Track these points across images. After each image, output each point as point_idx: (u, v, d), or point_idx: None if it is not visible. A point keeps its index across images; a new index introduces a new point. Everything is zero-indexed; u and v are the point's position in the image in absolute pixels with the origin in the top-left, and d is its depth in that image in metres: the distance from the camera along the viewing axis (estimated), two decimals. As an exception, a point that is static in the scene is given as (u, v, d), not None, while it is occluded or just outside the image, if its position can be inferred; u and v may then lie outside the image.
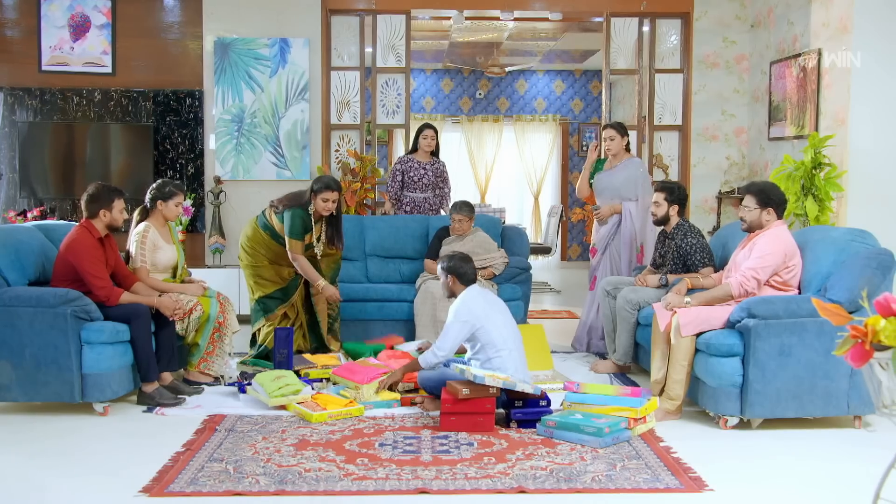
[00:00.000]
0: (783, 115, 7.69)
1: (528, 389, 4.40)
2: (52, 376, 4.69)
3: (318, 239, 5.96)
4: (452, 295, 4.96)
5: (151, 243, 5.34)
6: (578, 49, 12.03)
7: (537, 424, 4.33)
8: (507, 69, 12.60)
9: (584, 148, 13.29)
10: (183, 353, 5.38)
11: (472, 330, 4.70)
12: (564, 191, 13.48)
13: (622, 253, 6.36)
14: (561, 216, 11.10)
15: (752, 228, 4.84)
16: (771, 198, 4.78)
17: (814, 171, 6.45)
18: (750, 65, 8.60)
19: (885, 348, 2.21)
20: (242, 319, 6.42)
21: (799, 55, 7.37)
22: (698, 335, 4.60)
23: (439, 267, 5.01)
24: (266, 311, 5.94)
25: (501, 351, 4.67)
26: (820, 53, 6.99)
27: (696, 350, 4.62)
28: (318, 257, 6.01)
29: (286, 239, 5.83)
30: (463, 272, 4.91)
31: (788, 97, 7.57)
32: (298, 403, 4.70)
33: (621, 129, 6.45)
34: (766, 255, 4.67)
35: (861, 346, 2.18)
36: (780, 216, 4.82)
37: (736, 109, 8.61)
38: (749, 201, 4.81)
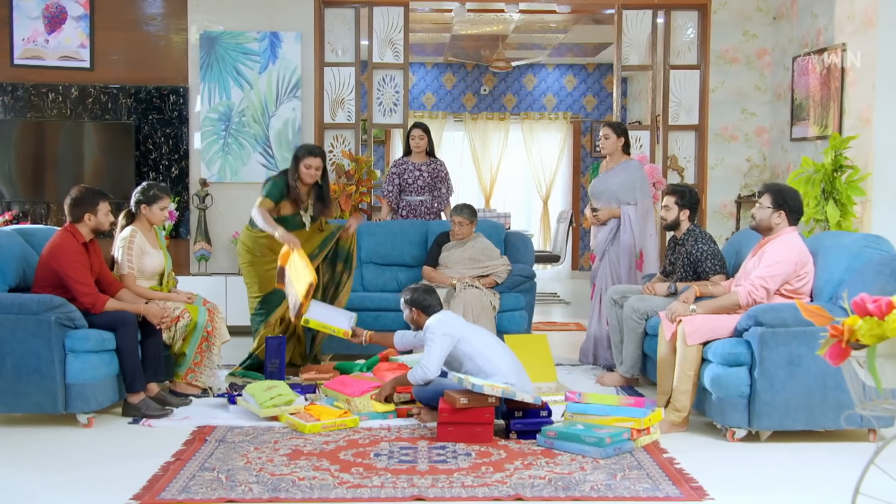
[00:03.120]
0: (806, 114, 8.01)
1: (528, 399, 4.75)
2: (34, 386, 4.99)
3: (305, 209, 6.34)
4: (418, 327, 5.41)
5: (138, 248, 5.68)
6: (591, 42, 12.37)
7: (537, 435, 4.68)
8: (513, 63, 12.95)
9: (598, 148, 13.63)
10: (169, 363, 5.71)
11: (453, 342, 5.08)
12: (576, 195, 13.82)
13: (621, 259, 6.69)
14: (571, 222, 11.42)
15: (760, 227, 5.18)
16: (786, 200, 5.11)
17: (835, 174, 6.77)
18: (772, 60, 8.94)
19: (863, 347, 2.55)
20: (232, 331, 6.74)
21: (822, 50, 7.69)
22: (705, 344, 4.94)
23: (402, 300, 5.44)
24: (269, 311, 6.28)
25: (491, 357, 5.05)
26: (844, 48, 7.32)
27: (703, 359, 4.95)
28: (307, 228, 6.36)
29: (260, 198, 6.19)
30: (427, 304, 5.36)
31: (811, 95, 7.89)
32: (291, 414, 5.05)
33: (617, 129, 6.79)
34: (774, 264, 5.00)
35: (838, 345, 2.52)
36: (792, 222, 5.14)
37: (757, 108, 8.94)
38: (765, 199, 5.16)
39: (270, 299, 6.31)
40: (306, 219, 6.35)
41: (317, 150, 6.32)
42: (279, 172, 6.45)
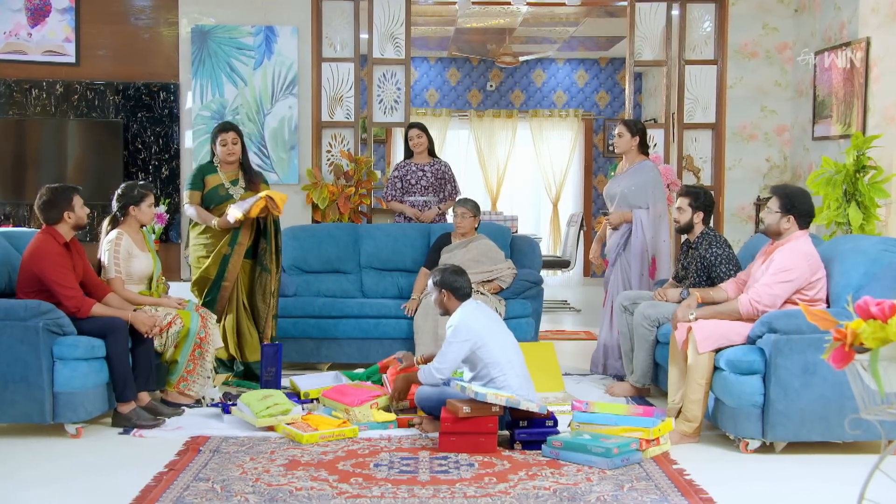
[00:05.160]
0: (829, 112, 8.18)
1: (533, 408, 4.92)
2: (21, 395, 5.15)
3: (235, 182, 6.65)
4: (446, 312, 5.49)
5: (125, 251, 5.85)
6: (603, 35, 12.53)
7: (543, 445, 4.84)
8: (521, 58, 13.10)
9: (611, 147, 13.79)
10: (160, 371, 5.88)
11: (472, 348, 5.21)
12: (587, 197, 13.99)
13: (632, 265, 6.84)
14: (582, 225, 11.56)
15: (769, 232, 5.33)
16: (794, 205, 5.24)
17: (857, 175, 6.92)
18: (793, 54, 9.10)
19: (868, 350, 2.72)
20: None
21: (846, 44, 7.86)
22: (717, 352, 5.10)
23: (430, 282, 5.54)
24: (214, 297, 6.55)
25: (506, 369, 5.19)
26: (868, 42, 7.49)
27: (715, 368, 5.11)
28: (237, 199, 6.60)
29: (186, 193, 6.68)
30: (458, 286, 5.43)
31: (834, 91, 8.06)
32: (288, 424, 5.22)
33: (633, 128, 6.91)
34: (782, 272, 5.12)
35: (841, 349, 2.68)
36: (802, 226, 5.27)
37: (777, 105, 9.10)
38: (773, 203, 5.29)
39: (216, 277, 6.58)
40: (234, 192, 6.63)
41: (227, 125, 6.74)
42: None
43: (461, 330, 5.24)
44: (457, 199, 7.93)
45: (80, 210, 5.56)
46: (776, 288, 5.13)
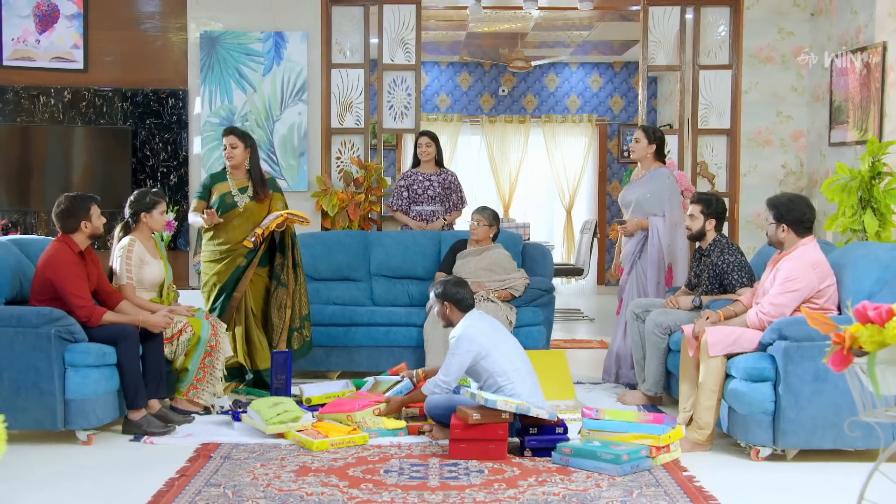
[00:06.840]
0: (846, 117, 8.29)
1: (543, 415, 5.07)
2: (33, 402, 5.32)
3: (243, 191, 6.77)
4: (449, 324, 5.66)
5: (137, 258, 6.03)
6: (617, 39, 12.68)
7: (553, 452, 5.00)
8: (533, 63, 13.24)
9: (625, 153, 13.91)
10: (171, 379, 6.04)
11: (476, 359, 5.37)
12: (601, 203, 14.11)
13: (648, 273, 6.97)
14: (596, 232, 11.69)
15: (773, 244, 5.46)
16: (783, 214, 5.34)
17: (872, 182, 7.04)
18: (809, 59, 9.21)
19: (866, 354, 2.86)
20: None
21: (863, 49, 7.98)
22: (729, 358, 5.24)
23: (432, 294, 5.69)
24: (228, 294, 6.71)
25: (513, 377, 5.35)
26: (885, 47, 7.60)
27: (727, 375, 5.25)
28: (241, 210, 6.75)
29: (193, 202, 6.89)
30: (460, 297, 5.59)
31: (851, 97, 8.18)
32: (298, 431, 5.39)
33: (650, 134, 7.05)
34: (786, 282, 5.24)
35: (840, 352, 2.83)
36: (801, 233, 5.36)
37: (793, 110, 9.20)
38: (769, 214, 5.44)
39: (225, 286, 6.73)
40: (240, 199, 6.75)
41: (228, 129, 6.86)
42: None
43: (464, 341, 5.40)
44: (462, 209, 8.11)
45: (96, 220, 5.74)
46: (781, 298, 5.25)
